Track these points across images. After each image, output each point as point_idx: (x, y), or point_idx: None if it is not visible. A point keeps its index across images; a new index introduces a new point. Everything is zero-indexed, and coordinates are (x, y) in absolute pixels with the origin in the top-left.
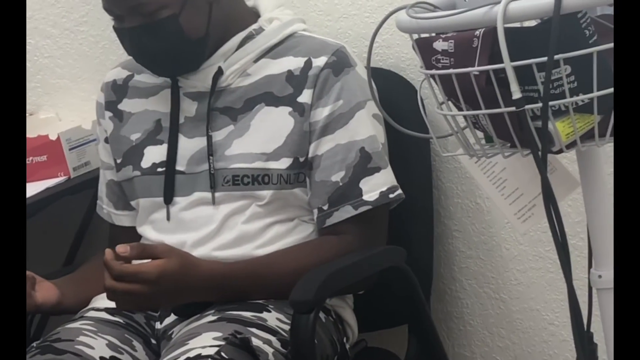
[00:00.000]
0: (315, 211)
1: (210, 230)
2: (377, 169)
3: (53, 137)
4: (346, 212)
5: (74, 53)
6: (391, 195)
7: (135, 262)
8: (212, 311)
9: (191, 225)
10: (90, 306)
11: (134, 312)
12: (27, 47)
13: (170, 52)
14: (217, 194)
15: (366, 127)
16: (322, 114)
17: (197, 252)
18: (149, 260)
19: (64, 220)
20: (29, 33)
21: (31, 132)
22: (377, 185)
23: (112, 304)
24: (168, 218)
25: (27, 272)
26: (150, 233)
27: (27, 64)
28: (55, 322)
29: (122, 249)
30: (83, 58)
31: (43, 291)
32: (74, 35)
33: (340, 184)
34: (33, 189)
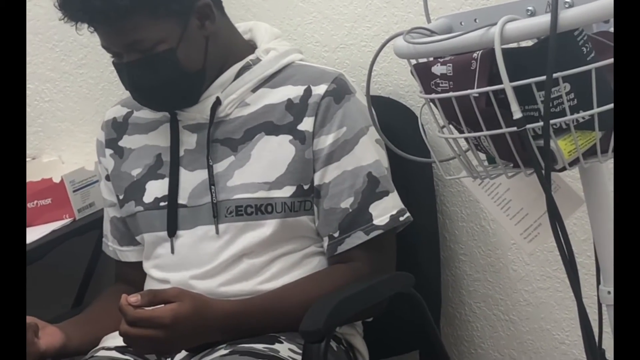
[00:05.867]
0: (326, 239)
1: (215, 265)
2: (386, 193)
3: (57, 179)
4: (358, 238)
5: (74, 96)
6: (401, 219)
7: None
8: (224, 345)
9: (196, 261)
10: (100, 345)
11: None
12: (27, 91)
13: (168, 85)
14: (220, 226)
15: (371, 153)
16: (325, 141)
17: (203, 286)
18: (162, 305)
19: (72, 262)
20: (28, 78)
21: (35, 175)
22: (386, 209)
23: (122, 343)
24: (172, 251)
25: (30, 319)
26: (154, 272)
27: (27, 108)
28: None
29: (134, 298)
30: (83, 100)
31: (46, 337)
32: (74, 78)
33: (350, 210)
34: (39, 232)
